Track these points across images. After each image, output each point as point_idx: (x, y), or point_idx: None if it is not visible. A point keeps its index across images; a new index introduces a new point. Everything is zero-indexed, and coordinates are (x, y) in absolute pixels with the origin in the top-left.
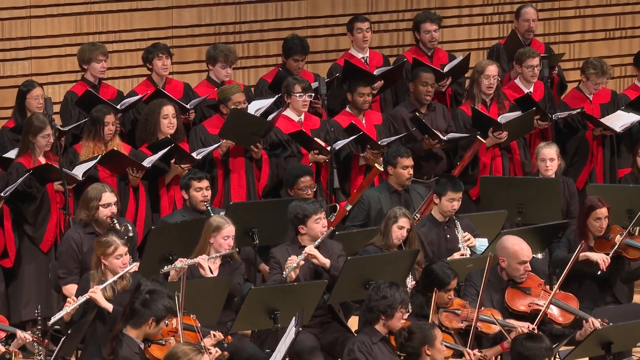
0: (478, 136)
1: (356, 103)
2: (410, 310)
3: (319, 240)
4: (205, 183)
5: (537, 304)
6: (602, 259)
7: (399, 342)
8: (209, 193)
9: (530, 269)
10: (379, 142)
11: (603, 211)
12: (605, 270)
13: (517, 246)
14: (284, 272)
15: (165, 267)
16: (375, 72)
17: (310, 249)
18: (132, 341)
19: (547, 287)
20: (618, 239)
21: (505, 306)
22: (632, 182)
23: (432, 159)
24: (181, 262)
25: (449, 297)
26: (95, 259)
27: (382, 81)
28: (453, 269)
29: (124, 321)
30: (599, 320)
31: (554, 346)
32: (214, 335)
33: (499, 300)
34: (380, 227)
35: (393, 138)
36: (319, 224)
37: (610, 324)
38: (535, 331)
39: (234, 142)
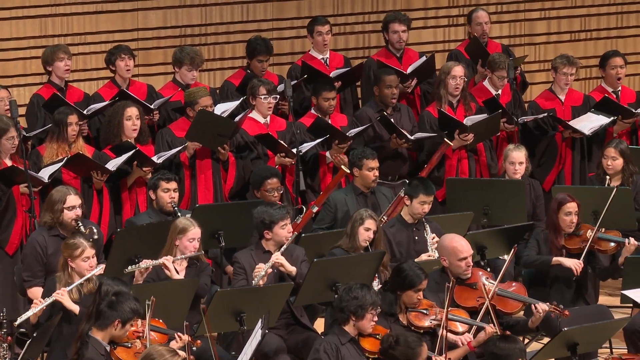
0: (445, 139)
1: (321, 107)
2: (379, 310)
3: (284, 246)
4: (173, 185)
5: (484, 298)
6: (574, 264)
7: (383, 347)
8: (176, 195)
9: (471, 264)
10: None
11: (573, 205)
12: (579, 274)
13: (456, 243)
14: (254, 281)
15: (130, 267)
16: (332, 74)
17: (278, 256)
18: (97, 343)
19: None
20: (590, 234)
21: (456, 304)
22: (598, 184)
23: (398, 159)
24: (145, 263)
25: (418, 297)
26: (62, 260)
27: (340, 82)
28: (424, 269)
29: (87, 322)
30: (547, 303)
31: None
32: (180, 338)
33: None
34: (346, 230)
35: (360, 128)
36: (284, 230)
37: (561, 306)
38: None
39: (201, 143)
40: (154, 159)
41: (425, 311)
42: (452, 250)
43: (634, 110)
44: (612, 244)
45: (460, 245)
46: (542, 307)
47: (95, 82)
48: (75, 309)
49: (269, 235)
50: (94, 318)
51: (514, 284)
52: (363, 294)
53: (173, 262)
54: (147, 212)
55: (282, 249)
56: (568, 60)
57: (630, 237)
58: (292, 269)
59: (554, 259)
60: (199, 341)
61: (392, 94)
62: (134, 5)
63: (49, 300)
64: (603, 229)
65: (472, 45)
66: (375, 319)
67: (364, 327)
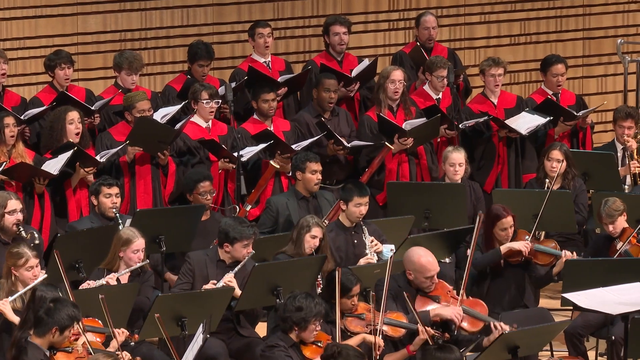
0: (387, 143)
1: (262, 110)
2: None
3: (239, 266)
4: (115, 190)
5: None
6: (524, 246)
7: (324, 355)
8: (118, 200)
9: (437, 280)
10: (292, 146)
11: (508, 220)
12: (528, 255)
13: (424, 260)
14: None
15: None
16: (279, 79)
17: (230, 278)
18: (37, 349)
19: (456, 293)
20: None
21: None
22: (538, 187)
23: (335, 165)
24: (88, 285)
25: (353, 302)
26: (5, 269)
27: (286, 88)
28: (356, 275)
29: (20, 329)
30: (509, 325)
31: (461, 351)
32: (120, 333)
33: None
34: (292, 236)
35: (307, 142)
36: (244, 250)
37: (519, 328)
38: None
39: (141, 148)
40: (97, 157)
41: (362, 316)
42: (419, 267)
43: (575, 113)
44: (550, 257)
45: (429, 262)
46: (504, 327)
47: (34, 87)
48: (16, 320)
49: (227, 249)
50: (28, 324)
51: (471, 299)
52: (307, 304)
53: (116, 279)
54: (89, 217)
55: (237, 269)
56: (494, 61)
57: (565, 250)
58: (239, 293)
59: (502, 247)
60: (136, 335)
61: (329, 98)
62: (73, 9)
63: None
64: (541, 233)
65: (415, 52)
66: (318, 328)
67: (307, 337)
